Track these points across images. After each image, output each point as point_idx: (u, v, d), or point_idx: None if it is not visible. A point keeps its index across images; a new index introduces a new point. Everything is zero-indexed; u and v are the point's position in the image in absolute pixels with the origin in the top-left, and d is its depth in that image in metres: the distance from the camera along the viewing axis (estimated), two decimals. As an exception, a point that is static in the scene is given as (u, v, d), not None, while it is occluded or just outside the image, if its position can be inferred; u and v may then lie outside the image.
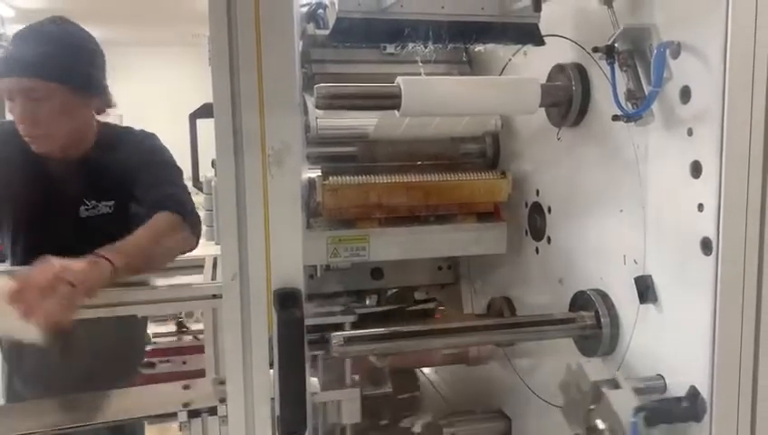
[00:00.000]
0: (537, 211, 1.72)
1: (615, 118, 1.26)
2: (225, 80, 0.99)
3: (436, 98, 1.40)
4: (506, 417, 1.94)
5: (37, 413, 1.39)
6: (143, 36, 13.89)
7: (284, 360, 0.96)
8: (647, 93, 1.22)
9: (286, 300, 0.98)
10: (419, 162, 1.84)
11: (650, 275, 1.30)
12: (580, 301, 1.49)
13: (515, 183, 1.77)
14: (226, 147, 0.99)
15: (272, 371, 1.02)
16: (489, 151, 1.89)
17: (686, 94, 1.17)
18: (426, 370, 2.57)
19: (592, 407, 1.19)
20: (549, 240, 1.68)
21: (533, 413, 1.80)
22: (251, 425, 1.03)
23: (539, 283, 1.74)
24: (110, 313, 1.56)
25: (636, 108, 1.24)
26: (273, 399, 1.02)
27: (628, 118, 1.24)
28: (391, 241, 1.72)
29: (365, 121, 1.76)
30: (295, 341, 0.97)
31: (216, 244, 1.03)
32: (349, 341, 1.33)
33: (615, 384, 1.18)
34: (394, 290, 2.24)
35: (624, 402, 1.13)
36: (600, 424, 1.16)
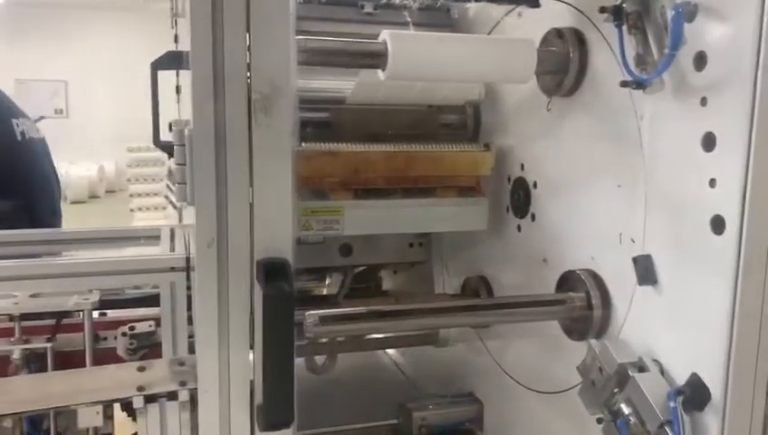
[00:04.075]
0: (521, 187, 1.63)
1: (624, 84, 1.17)
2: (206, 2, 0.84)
3: (426, 57, 1.29)
4: (478, 401, 1.87)
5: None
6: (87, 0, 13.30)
7: (270, 341, 0.84)
8: (656, 58, 1.13)
9: (272, 272, 0.86)
10: (394, 132, 1.73)
11: (650, 255, 1.22)
12: (570, 281, 1.41)
13: (497, 157, 1.68)
14: (204, 88, 0.84)
15: (251, 352, 0.89)
16: (470, 122, 1.79)
17: (701, 60, 1.08)
18: (390, 351, 2.48)
19: (616, 390, 1.12)
20: (533, 217, 1.59)
21: (508, 397, 1.73)
22: (225, 413, 0.91)
23: (520, 262, 1.66)
24: (56, 284, 1.41)
25: (645, 74, 1.15)
26: (252, 381, 0.89)
27: (638, 84, 1.15)
28: (367, 215, 1.61)
29: (341, 84, 1.64)
30: (283, 320, 0.84)
31: (189, 204, 0.89)
32: (324, 320, 1.22)
33: (641, 367, 1.10)
34: (362, 268, 2.14)
35: (654, 386, 1.06)
36: (626, 408, 1.09)
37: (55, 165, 3.49)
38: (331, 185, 1.57)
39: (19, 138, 2.99)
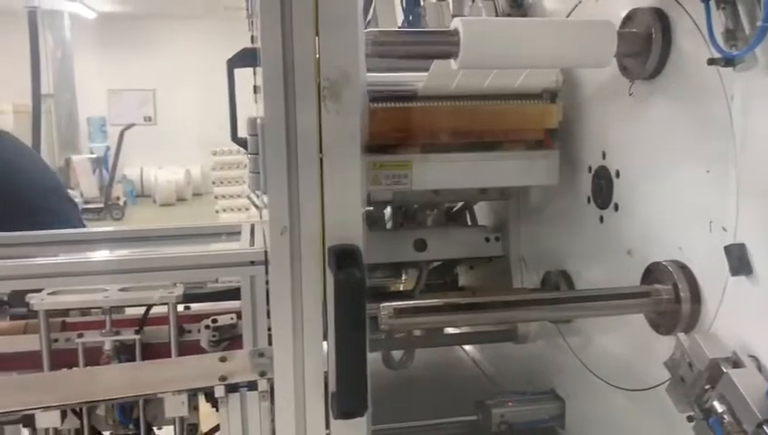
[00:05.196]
0: (603, 176, 1.57)
1: (711, 62, 1.10)
2: (275, -2, 0.84)
3: (500, 44, 1.25)
4: (560, 398, 1.81)
5: (62, 385, 1.30)
6: (174, 10, 13.83)
7: (343, 328, 0.84)
8: (748, 33, 1.06)
9: (344, 258, 0.86)
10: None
11: (743, 244, 1.14)
12: (655, 273, 1.34)
13: (576, 146, 1.63)
14: (274, 78, 0.85)
15: (325, 342, 0.90)
16: (547, 111, 1.73)
17: (798, 33, 1.01)
18: (468, 347, 2.45)
19: (707, 387, 1.06)
20: (616, 207, 1.53)
21: (591, 394, 1.67)
22: (300, 402, 0.91)
23: (602, 254, 1.59)
24: (142, 278, 1.47)
25: (735, 50, 1.08)
26: (326, 373, 0.90)
27: (728, 62, 1.08)
28: (435, 169, 1.60)
29: (413, 76, 1.62)
30: (355, 306, 0.84)
31: (263, 193, 0.90)
32: (399, 312, 1.21)
33: (735, 362, 1.04)
34: (437, 263, 2.11)
35: (750, 383, 1.00)
36: (719, 406, 1.03)
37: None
38: (398, 140, 1.56)
39: None
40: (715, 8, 1.10)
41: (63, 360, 1.66)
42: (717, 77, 1.17)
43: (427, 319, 1.28)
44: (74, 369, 1.61)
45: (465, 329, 2.18)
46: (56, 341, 1.67)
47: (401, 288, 2.10)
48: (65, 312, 1.76)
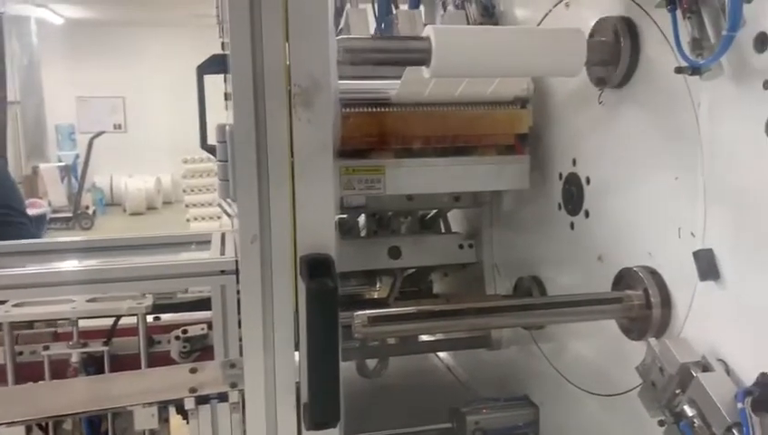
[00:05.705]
0: (573, 183, 1.58)
1: (679, 70, 1.12)
2: (244, 2, 0.84)
3: (471, 52, 1.26)
4: (533, 404, 1.82)
5: (28, 398, 1.27)
6: (145, 17, 13.68)
7: (315, 338, 0.83)
8: (713, 42, 1.08)
9: (316, 268, 0.85)
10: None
11: (711, 249, 1.16)
12: (626, 279, 1.35)
13: (547, 153, 1.64)
14: (244, 84, 0.84)
15: (297, 352, 0.89)
16: (518, 119, 1.75)
17: (762, 42, 1.03)
18: (442, 354, 2.45)
19: (678, 391, 1.07)
20: (587, 214, 1.54)
21: (564, 400, 1.68)
22: (272, 414, 0.90)
23: (574, 260, 1.61)
24: (110, 288, 1.44)
25: (701, 59, 1.09)
26: (297, 383, 0.89)
27: (694, 70, 1.10)
28: (408, 174, 1.61)
29: (386, 84, 1.62)
30: (328, 316, 0.83)
31: (233, 200, 0.89)
32: (373, 321, 1.20)
33: (704, 367, 1.05)
34: (411, 271, 2.11)
35: (719, 386, 1.01)
36: (689, 410, 1.04)
37: None
38: (371, 145, 1.57)
39: None
40: (682, 17, 1.12)
41: (29, 373, 1.62)
42: (684, 85, 1.19)
43: (401, 327, 1.27)
44: (40, 382, 1.57)
45: (439, 336, 2.18)
46: (21, 353, 1.63)
47: (376, 296, 2.10)
48: (30, 324, 1.72)
